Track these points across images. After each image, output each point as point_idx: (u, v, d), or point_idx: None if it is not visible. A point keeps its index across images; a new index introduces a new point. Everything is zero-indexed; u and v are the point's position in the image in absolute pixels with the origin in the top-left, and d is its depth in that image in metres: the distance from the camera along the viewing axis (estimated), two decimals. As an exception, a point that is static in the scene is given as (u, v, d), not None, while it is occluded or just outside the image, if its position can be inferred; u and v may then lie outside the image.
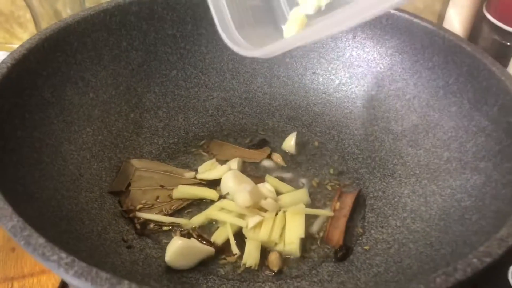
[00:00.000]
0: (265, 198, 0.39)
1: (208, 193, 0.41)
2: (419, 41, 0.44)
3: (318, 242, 0.38)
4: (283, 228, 0.38)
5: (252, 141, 0.47)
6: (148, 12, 0.46)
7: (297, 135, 0.46)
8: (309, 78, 0.50)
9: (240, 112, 0.50)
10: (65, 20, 0.41)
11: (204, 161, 0.44)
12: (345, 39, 0.49)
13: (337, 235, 0.38)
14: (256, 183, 0.41)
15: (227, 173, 0.41)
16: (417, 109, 0.44)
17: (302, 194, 0.41)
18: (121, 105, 0.45)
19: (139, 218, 0.39)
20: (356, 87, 0.48)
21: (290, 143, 0.46)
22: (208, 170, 0.43)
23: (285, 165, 0.45)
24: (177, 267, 0.35)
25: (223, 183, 0.41)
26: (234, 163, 0.43)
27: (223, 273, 0.36)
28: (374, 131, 0.46)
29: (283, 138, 0.47)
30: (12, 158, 0.33)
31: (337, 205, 0.41)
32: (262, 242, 0.37)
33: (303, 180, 0.44)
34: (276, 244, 0.37)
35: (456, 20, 0.57)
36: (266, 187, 0.41)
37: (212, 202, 0.40)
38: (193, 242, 0.36)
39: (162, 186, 0.42)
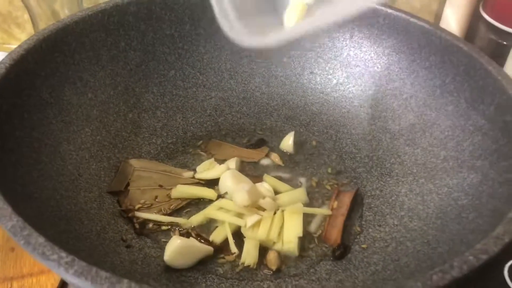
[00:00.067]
0: (264, 197, 0.39)
1: (207, 192, 0.41)
2: (416, 41, 0.44)
3: (316, 241, 0.39)
4: (281, 227, 0.38)
5: (250, 141, 0.48)
6: (146, 12, 0.46)
7: (295, 135, 0.47)
8: (307, 77, 0.50)
9: (238, 111, 0.50)
10: (63, 21, 0.41)
11: (202, 161, 0.44)
12: (342, 39, 0.49)
13: (335, 234, 0.38)
14: (254, 182, 0.41)
15: (226, 173, 0.41)
16: (414, 108, 0.44)
17: (300, 193, 0.41)
18: (120, 105, 0.45)
19: (138, 218, 0.39)
20: (354, 86, 0.48)
21: (288, 142, 0.46)
22: (207, 169, 0.43)
23: (283, 165, 0.45)
24: (176, 266, 0.35)
25: (221, 183, 0.41)
26: (232, 163, 0.43)
27: (222, 272, 0.36)
28: (372, 130, 0.46)
29: (281, 138, 0.47)
30: (11, 158, 0.33)
31: (335, 204, 0.41)
32: (260, 241, 0.37)
33: (301, 180, 0.44)
34: (274, 243, 0.37)
35: (453, 20, 0.58)
36: (264, 187, 0.41)
37: (210, 201, 0.41)
38: (192, 241, 0.36)
39: (160, 185, 0.42)
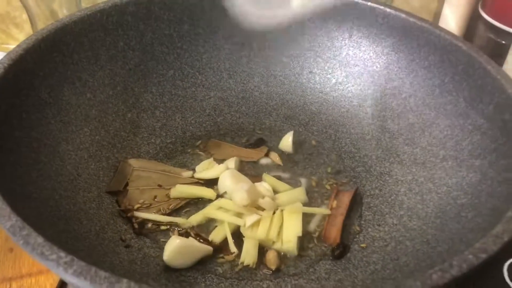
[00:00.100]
0: (263, 197, 0.39)
1: (206, 192, 0.41)
2: (415, 40, 0.44)
3: (315, 241, 0.39)
4: (281, 226, 0.38)
5: (249, 140, 0.48)
6: (145, 12, 0.46)
7: (294, 134, 0.47)
8: (306, 77, 0.50)
9: (237, 111, 0.50)
10: (61, 20, 0.41)
11: (201, 161, 0.44)
12: (341, 38, 0.49)
13: (334, 233, 0.38)
14: (253, 182, 0.41)
15: (225, 172, 0.41)
16: (413, 107, 0.44)
17: (299, 192, 0.41)
18: (119, 105, 0.45)
19: (137, 218, 0.39)
20: (353, 86, 0.48)
21: (287, 142, 0.46)
22: (206, 169, 0.43)
23: (282, 164, 0.45)
24: (175, 266, 0.35)
25: (220, 182, 0.41)
26: (231, 162, 0.43)
27: (221, 272, 0.36)
28: (371, 130, 0.46)
29: (280, 137, 0.47)
30: (10, 158, 0.33)
31: (334, 203, 0.41)
32: (259, 240, 0.37)
33: (300, 179, 0.44)
34: (273, 242, 0.37)
35: (452, 19, 0.58)
36: (264, 186, 0.41)
37: (209, 201, 0.41)
38: (191, 241, 0.36)
39: (159, 185, 0.42)
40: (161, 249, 0.36)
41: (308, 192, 0.42)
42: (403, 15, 0.44)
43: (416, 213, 0.38)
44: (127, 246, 0.37)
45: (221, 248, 0.37)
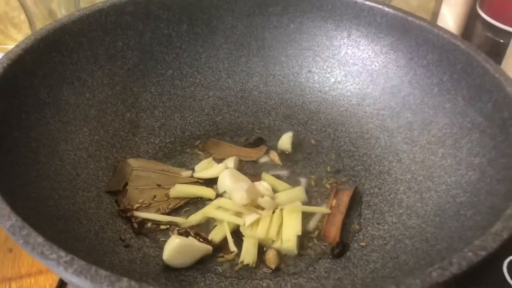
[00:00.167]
0: (262, 196, 0.39)
1: (205, 191, 0.41)
2: (413, 39, 0.44)
3: (315, 239, 0.39)
4: (280, 225, 0.38)
5: (248, 140, 0.48)
6: (143, 12, 0.46)
7: (293, 134, 0.47)
8: (305, 76, 0.51)
9: (236, 111, 0.50)
10: (60, 20, 0.41)
11: (200, 160, 0.44)
12: (340, 38, 0.49)
13: (333, 232, 0.39)
14: (252, 181, 0.41)
15: (224, 172, 0.41)
16: (412, 106, 0.44)
17: (298, 192, 0.41)
18: (117, 105, 0.45)
19: (136, 217, 0.39)
20: (351, 85, 0.49)
21: (285, 142, 0.46)
22: (205, 169, 0.43)
23: (282, 164, 0.45)
24: (175, 265, 0.35)
25: (220, 182, 0.41)
26: (230, 162, 0.43)
27: (221, 271, 0.36)
28: (370, 128, 0.46)
29: (279, 137, 0.47)
30: (9, 158, 0.33)
31: (334, 202, 0.41)
32: (259, 239, 0.37)
33: (300, 178, 0.44)
34: (273, 241, 0.37)
35: (450, 18, 0.58)
36: (263, 185, 0.41)
37: (209, 200, 0.41)
38: (191, 240, 0.36)
39: (159, 185, 0.42)
40: (161, 248, 0.36)
41: (308, 191, 0.42)
42: (402, 14, 0.44)
43: (415, 212, 0.38)
44: (127, 245, 0.37)
45: (220, 247, 0.37)
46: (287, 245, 0.37)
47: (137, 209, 0.40)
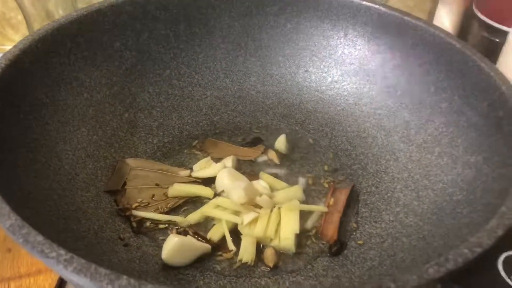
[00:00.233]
0: (260, 195, 0.39)
1: (203, 191, 0.41)
2: (409, 39, 0.44)
3: (313, 238, 0.39)
4: (278, 224, 0.38)
5: (246, 139, 0.48)
6: (141, 12, 0.46)
7: (290, 133, 0.47)
8: (302, 76, 0.51)
9: (234, 110, 0.50)
10: (58, 21, 0.41)
11: (198, 160, 0.44)
12: (336, 37, 0.49)
13: (331, 230, 0.39)
14: (250, 180, 0.41)
15: (222, 171, 0.41)
16: (408, 105, 0.44)
17: (296, 190, 0.41)
18: (116, 105, 0.45)
19: (135, 217, 0.39)
20: (348, 84, 0.49)
21: (280, 144, 0.46)
22: (203, 168, 0.43)
23: (279, 163, 0.45)
24: (174, 264, 0.36)
25: (218, 181, 0.41)
26: (228, 161, 0.43)
27: (220, 269, 0.36)
28: (367, 127, 0.47)
29: (276, 136, 0.47)
30: (8, 159, 0.33)
31: (331, 201, 0.41)
32: (257, 238, 0.37)
33: (297, 177, 0.44)
34: (271, 240, 0.37)
35: (446, 18, 0.58)
36: (261, 184, 0.41)
37: (207, 200, 0.41)
38: (190, 239, 0.37)
39: (157, 184, 0.42)
40: (160, 247, 0.36)
41: (305, 190, 0.42)
42: (398, 14, 0.44)
43: (412, 210, 0.38)
44: (126, 244, 0.37)
45: (219, 246, 0.37)
46: (285, 243, 0.37)
47: (135, 208, 0.40)
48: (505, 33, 0.50)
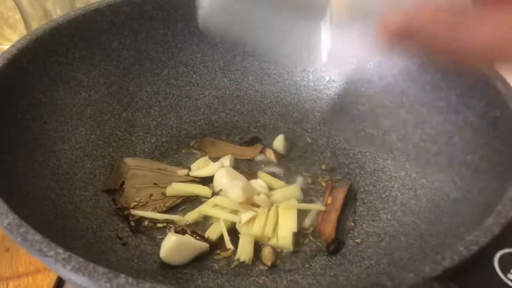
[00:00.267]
0: (258, 194, 0.39)
1: (201, 190, 0.41)
2: (407, 38, 0.44)
3: (311, 236, 0.39)
4: (276, 223, 0.38)
5: (244, 138, 0.48)
6: (139, 12, 0.46)
7: (288, 132, 0.47)
8: (300, 75, 0.51)
9: (232, 109, 0.50)
10: (56, 20, 0.41)
11: (196, 159, 0.45)
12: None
13: (329, 229, 0.39)
14: (248, 179, 0.41)
15: (220, 170, 0.41)
16: (405, 104, 0.44)
17: (294, 189, 0.41)
18: (114, 104, 0.45)
19: (133, 216, 0.39)
20: (346, 83, 0.49)
21: (278, 143, 0.46)
22: (201, 167, 0.43)
23: (277, 162, 0.45)
24: (172, 263, 0.36)
25: (216, 180, 0.41)
26: (226, 160, 0.43)
27: (218, 268, 0.36)
28: (364, 126, 0.47)
29: (274, 135, 0.47)
30: (6, 158, 0.33)
31: (329, 200, 0.41)
32: (255, 237, 0.37)
33: (295, 176, 0.44)
34: (269, 238, 0.38)
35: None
36: (259, 183, 0.41)
37: (205, 199, 0.41)
38: (188, 238, 0.37)
39: (155, 184, 0.42)
40: (158, 246, 0.37)
41: (303, 189, 0.42)
42: (395, 13, 0.44)
43: (409, 208, 0.39)
44: (124, 243, 0.37)
45: (217, 244, 0.38)
46: (283, 242, 0.37)
47: (134, 208, 0.40)
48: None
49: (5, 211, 0.26)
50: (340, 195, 0.41)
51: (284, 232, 0.38)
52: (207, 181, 0.42)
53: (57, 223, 0.33)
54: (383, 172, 0.43)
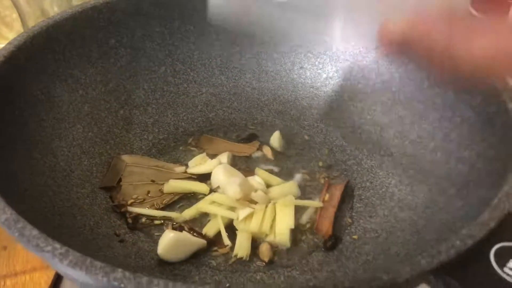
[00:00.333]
0: (255, 190, 0.39)
1: (199, 187, 0.41)
2: (404, 35, 0.45)
3: (308, 233, 0.39)
4: (274, 219, 0.38)
5: (241, 136, 0.48)
6: (135, 9, 0.46)
7: (285, 129, 0.47)
8: (297, 72, 0.51)
9: (229, 107, 0.50)
10: (53, 18, 0.41)
11: (194, 156, 0.45)
12: (331, 33, 0.49)
13: (326, 225, 0.39)
14: (246, 176, 0.41)
15: (218, 167, 0.41)
16: (402, 101, 0.44)
17: (291, 186, 0.42)
18: (111, 102, 0.45)
19: (130, 213, 0.39)
20: (343, 80, 0.49)
21: (275, 140, 0.46)
22: (199, 164, 0.43)
23: (275, 159, 0.46)
24: (170, 259, 0.36)
25: (213, 177, 0.41)
26: (224, 157, 0.43)
27: (215, 265, 0.36)
28: (361, 123, 0.47)
29: (272, 132, 0.47)
30: (3, 155, 0.33)
31: (326, 196, 0.41)
32: (252, 233, 0.37)
33: (293, 173, 0.44)
34: (266, 235, 0.38)
35: (440, 15, 0.58)
36: (256, 180, 0.41)
37: (203, 195, 0.41)
38: (185, 235, 0.37)
39: (153, 181, 0.42)
40: (155, 243, 0.37)
41: (300, 185, 0.42)
42: (392, 10, 0.45)
43: (406, 204, 0.39)
44: (122, 240, 0.37)
45: (214, 241, 0.38)
46: (280, 238, 0.37)
47: (131, 205, 0.40)
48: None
49: (3, 206, 0.26)
50: (337, 192, 0.41)
51: (281, 228, 0.38)
52: (204, 178, 0.42)
53: (54, 220, 0.33)
54: (380, 168, 0.43)
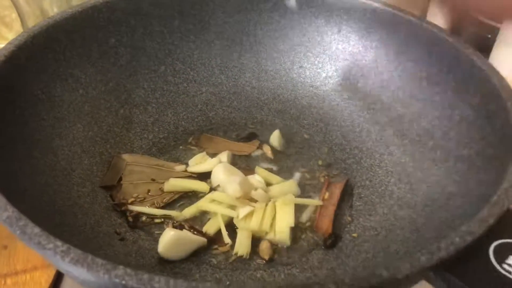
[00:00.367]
0: (255, 189, 0.39)
1: (199, 185, 0.41)
2: (402, 34, 0.45)
3: (308, 231, 0.39)
4: (274, 217, 0.38)
5: (241, 135, 0.48)
6: (135, 8, 0.46)
7: (285, 128, 0.47)
8: (296, 72, 0.51)
9: (229, 106, 0.50)
10: (53, 17, 0.41)
11: (194, 155, 0.45)
12: (330, 33, 0.49)
13: (326, 224, 0.39)
14: (246, 175, 0.41)
15: (218, 166, 0.42)
16: (402, 99, 0.45)
17: (291, 184, 0.42)
18: (111, 101, 0.46)
19: (131, 211, 0.39)
20: (343, 79, 0.49)
21: (275, 139, 0.47)
22: (199, 163, 0.44)
23: (274, 158, 0.46)
24: (170, 258, 0.36)
25: (213, 176, 0.41)
26: (224, 156, 0.44)
27: (216, 263, 0.36)
28: (361, 122, 0.47)
29: (271, 131, 0.47)
30: (3, 154, 0.33)
31: (326, 195, 0.41)
32: (253, 231, 0.38)
33: (292, 172, 0.44)
34: (266, 233, 0.38)
35: (439, 14, 0.58)
36: (256, 179, 0.41)
37: (203, 194, 0.41)
38: (185, 233, 0.37)
39: (153, 179, 0.42)
40: (156, 241, 0.37)
41: (300, 184, 0.43)
42: (391, 10, 0.45)
43: (406, 203, 0.39)
44: (122, 239, 0.37)
45: (215, 239, 0.38)
46: (280, 236, 0.37)
47: (131, 203, 0.40)
48: (497, 29, 0.51)
49: (4, 204, 0.26)
50: (337, 190, 0.42)
51: (281, 226, 0.38)
52: (204, 176, 0.43)
53: (55, 219, 0.33)
54: (380, 167, 0.43)
